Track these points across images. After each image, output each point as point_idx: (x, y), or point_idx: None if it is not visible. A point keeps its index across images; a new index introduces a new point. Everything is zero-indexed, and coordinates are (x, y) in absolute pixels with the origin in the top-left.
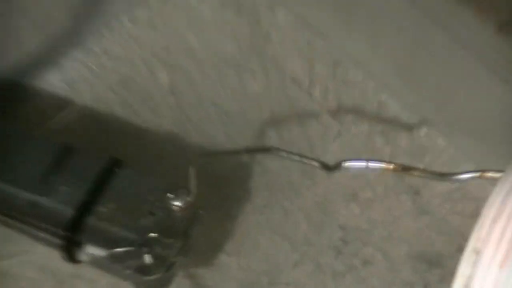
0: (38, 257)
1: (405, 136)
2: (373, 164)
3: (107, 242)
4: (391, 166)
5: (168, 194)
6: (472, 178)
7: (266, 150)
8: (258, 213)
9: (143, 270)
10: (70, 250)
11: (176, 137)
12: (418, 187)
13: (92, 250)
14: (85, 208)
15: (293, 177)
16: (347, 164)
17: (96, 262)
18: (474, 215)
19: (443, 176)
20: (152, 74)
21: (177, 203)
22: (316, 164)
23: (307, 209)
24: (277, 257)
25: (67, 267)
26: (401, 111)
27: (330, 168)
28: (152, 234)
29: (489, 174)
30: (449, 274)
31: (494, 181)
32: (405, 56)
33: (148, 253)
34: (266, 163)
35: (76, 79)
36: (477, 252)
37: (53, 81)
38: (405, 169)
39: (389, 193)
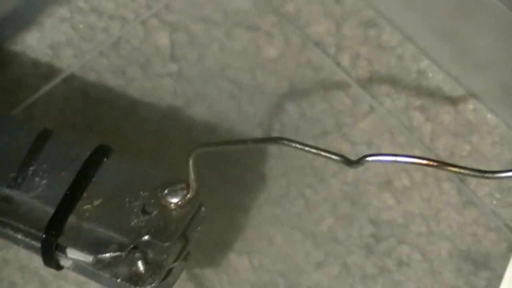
0: (17, 255)
1: (448, 111)
2: (402, 159)
3: (93, 245)
4: (424, 162)
5: (165, 190)
6: None
7: (275, 140)
8: (274, 204)
9: (135, 278)
10: (50, 254)
11: (179, 112)
12: None
13: (75, 255)
14: (67, 206)
15: (316, 162)
16: (371, 158)
17: (80, 269)
18: None
19: (485, 173)
20: (150, 36)
21: (174, 200)
22: (335, 158)
23: (332, 200)
24: (296, 256)
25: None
26: (444, 82)
27: (352, 163)
28: (145, 237)
29: None
30: (498, 277)
31: None
32: (449, 16)
33: (140, 259)
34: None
35: (61, 42)
36: None
37: (34, 45)
38: (441, 165)
39: (429, 180)
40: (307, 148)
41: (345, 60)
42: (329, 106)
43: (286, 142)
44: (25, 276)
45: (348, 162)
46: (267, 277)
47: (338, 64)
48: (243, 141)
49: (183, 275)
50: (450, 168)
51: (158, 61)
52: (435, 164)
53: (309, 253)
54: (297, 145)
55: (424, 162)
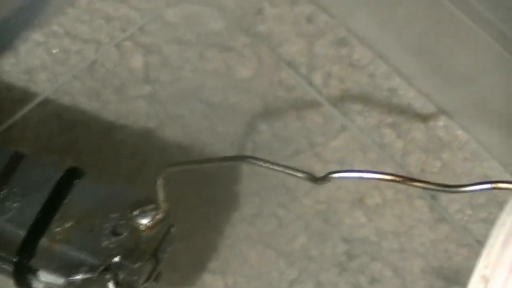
0: None
1: (419, 128)
2: (367, 175)
3: (64, 267)
4: (389, 177)
5: (135, 210)
6: (485, 190)
7: (241, 159)
8: (247, 223)
9: None
10: (22, 277)
11: (153, 134)
12: None
13: (47, 278)
14: (39, 228)
15: (289, 181)
16: (337, 175)
17: None
18: None
19: (451, 188)
20: (125, 58)
21: (144, 221)
22: (300, 175)
23: (305, 218)
24: (270, 275)
25: None
26: (416, 99)
27: (317, 180)
28: (115, 258)
29: (504, 186)
30: None
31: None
32: (422, 34)
33: (111, 280)
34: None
35: (35, 67)
36: (486, 280)
37: (8, 70)
38: (406, 180)
39: (401, 197)
40: (272, 166)
41: (317, 79)
42: (302, 125)
43: (252, 161)
44: None
45: (313, 179)
46: None
47: (310, 83)
48: (209, 160)
49: None
50: (415, 183)
51: (132, 84)
52: (399, 179)
53: (283, 271)
54: (262, 163)
55: (389, 177)
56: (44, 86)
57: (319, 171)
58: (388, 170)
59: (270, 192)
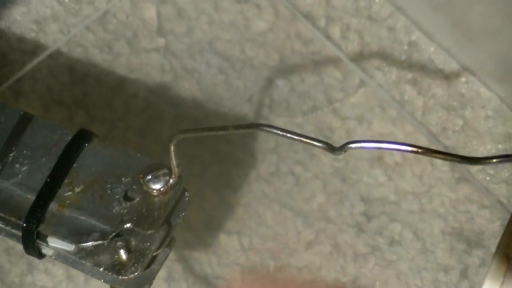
0: (3, 238)
1: (441, 85)
2: (386, 146)
3: (74, 234)
4: (409, 148)
5: (148, 175)
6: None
7: (256, 127)
8: (264, 181)
9: (118, 267)
10: (31, 243)
11: (167, 88)
12: (457, 148)
13: (56, 244)
14: (48, 193)
15: None
16: (355, 145)
17: (62, 257)
18: None
19: (474, 160)
20: (137, 9)
21: (156, 186)
22: (318, 144)
23: (323, 177)
24: (286, 236)
25: None
26: (436, 54)
27: (335, 150)
28: (127, 224)
29: None
30: (492, 256)
31: None
32: None
33: (123, 247)
34: (273, 120)
35: (46, 17)
36: (509, 259)
37: (19, 20)
38: (428, 151)
39: (421, 156)
40: (289, 135)
41: (335, 32)
42: (319, 80)
43: (267, 129)
44: (12, 259)
45: (331, 149)
46: (257, 258)
47: (328, 37)
48: (224, 128)
49: (171, 256)
50: (437, 155)
51: (145, 36)
52: (420, 150)
53: (300, 232)
54: (278, 132)
55: (409, 149)
56: (55, 37)
57: (337, 128)
58: (408, 128)
59: (287, 150)
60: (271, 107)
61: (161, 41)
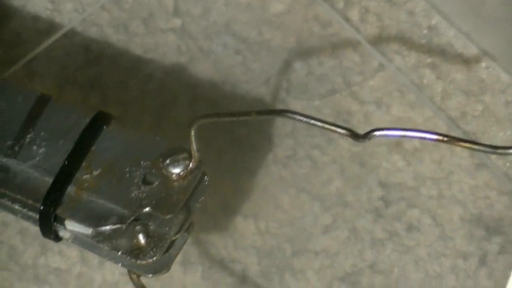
0: (17, 218)
1: (460, 69)
2: (411, 134)
3: (92, 217)
4: (434, 137)
5: (166, 159)
6: None
7: (279, 113)
8: (280, 165)
9: (136, 252)
10: (48, 226)
11: (183, 69)
12: (477, 134)
13: (74, 227)
14: (65, 176)
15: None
16: (379, 133)
17: (80, 241)
18: None
19: (500, 149)
20: None
21: (176, 170)
22: (342, 131)
23: (341, 161)
24: (304, 220)
25: None
26: (456, 38)
27: (359, 137)
28: (146, 209)
29: None
30: (511, 243)
31: None
32: None
33: (141, 231)
34: (291, 103)
35: None
36: None
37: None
38: (453, 140)
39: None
40: (312, 121)
41: (354, 15)
42: (338, 64)
43: (290, 115)
44: (26, 240)
45: (355, 136)
46: (274, 242)
47: (347, 19)
48: (246, 113)
49: (188, 239)
50: (462, 143)
51: (161, 16)
52: (445, 139)
53: (317, 216)
54: (302, 118)
55: (434, 137)
56: (70, 16)
57: (356, 112)
58: (427, 113)
59: (305, 133)
60: (288, 90)
61: (177, 22)
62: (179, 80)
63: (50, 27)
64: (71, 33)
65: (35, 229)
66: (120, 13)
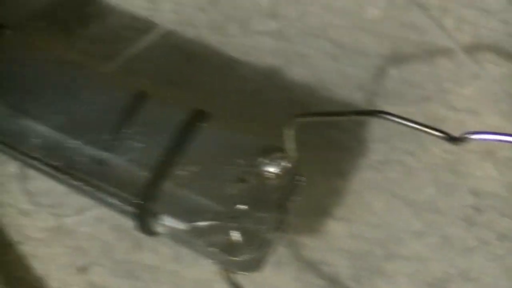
0: (111, 214)
1: None
2: (506, 138)
3: (188, 213)
4: None
5: (262, 158)
6: None
7: (375, 113)
8: (374, 170)
9: (231, 248)
10: (144, 220)
11: (278, 72)
12: None
13: (169, 222)
14: (162, 171)
15: None
16: (475, 136)
17: (173, 236)
18: None
19: None
20: None
21: (272, 169)
22: (437, 134)
23: (433, 168)
24: (396, 225)
25: None
26: None
27: (455, 140)
28: (241, 206)
29: None
30: None
31: None
32: None
33: (236, 228)
34: (384, 109)
35: None
36: None
37: None
38: None
39: None
40: (408, 123)
41: (449, 23)
42: (432, 71)
43: (387, 116)
44: (120, 236)
45: (450, 138)
46: (366, 246)
47: (442, 27)
48: (343, 113)
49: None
50: None
51: (258, 18)
52: None
53: (409, 222)
54: (398, 119)
55: None
56: (168, 16)
57: (449, 119)
58: None
59: (398, 139)
60: (383, 96)
61: (273, 25)
62: (274, 83)
63: (148, 26)
64: (168, 34)
65: (129, 225)
66: (217, 15)
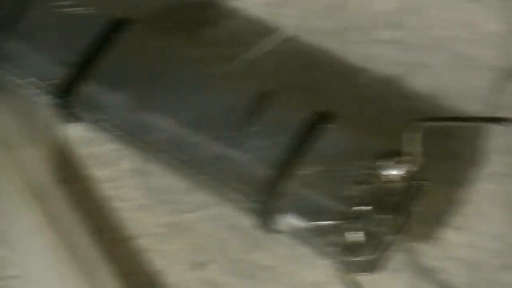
0: (226, 214)
1: None
2: None
3: (310, 212)
4: None
5: (387, 161)
6: None
7: (501, 120)
8: (494, 182)
9: (352, 248)
10: (265, 217)
11: (399, 81)
12: None
13: (291, 220)
14: (285, 169)
15: None
16: None
17: (293, 234)
18: None
19: None
20: (370, 1)
21: (396, 172)
22: None
23: None
24: None
25: None
26: None
27: None
28: (363, 207)
29: None
30: None
31: None
32: None
33: (359, 229)
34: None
35: (280, 1)
36: None
37: (254, 2)
38: None
39: None
40: None
41: None
42: None
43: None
44: (236, 235)
45: None
46: (482, 256)
47: None
48: (472, 119)
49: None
50: None
51: (378, 27)
52: None
53: None
54: None
55: None
56: (289, 22)
57: None
58: None
59: None
60: (505, 108)
61: (397, 34)
62: (395, 91)
63: (268, 30)
64: (290, 39)
65: (246, 224)
66: (338, 22)
